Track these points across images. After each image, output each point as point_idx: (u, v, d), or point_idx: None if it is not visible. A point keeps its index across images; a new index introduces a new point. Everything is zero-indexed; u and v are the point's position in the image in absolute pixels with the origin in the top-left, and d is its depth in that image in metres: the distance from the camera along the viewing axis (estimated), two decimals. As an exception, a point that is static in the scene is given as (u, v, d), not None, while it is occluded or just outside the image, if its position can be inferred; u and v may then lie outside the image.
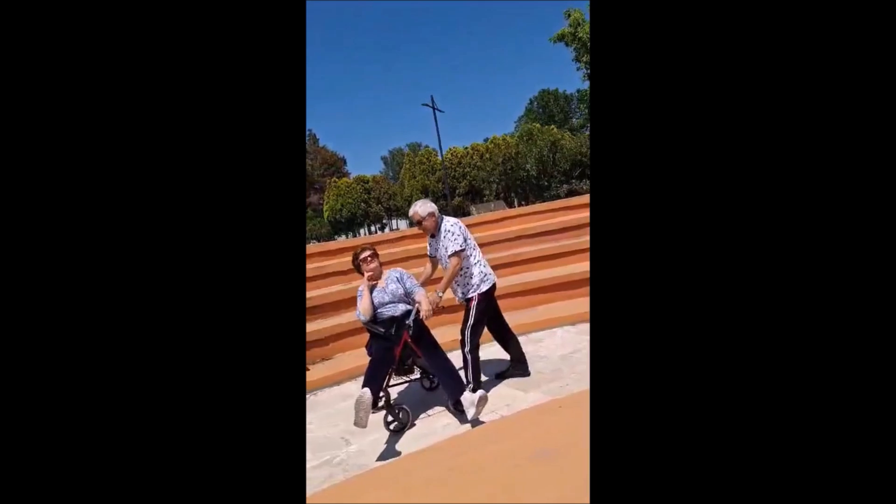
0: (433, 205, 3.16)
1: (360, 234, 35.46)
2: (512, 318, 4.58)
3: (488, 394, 3.02)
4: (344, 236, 34.52)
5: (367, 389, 2.50)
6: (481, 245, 6.00)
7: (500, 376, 3.35)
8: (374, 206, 35.22)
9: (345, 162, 47.35)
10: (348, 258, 5.99)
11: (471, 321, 3.00)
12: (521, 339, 4.07)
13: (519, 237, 6.11)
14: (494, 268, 5.59)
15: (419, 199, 3.51)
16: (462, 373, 3.03)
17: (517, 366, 3.35)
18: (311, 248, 6.40)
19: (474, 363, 3.01)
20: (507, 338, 3.35)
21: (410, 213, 3.16)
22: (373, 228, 36.80)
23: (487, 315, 3.09)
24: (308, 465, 2.57)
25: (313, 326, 4.48)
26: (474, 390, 2.96)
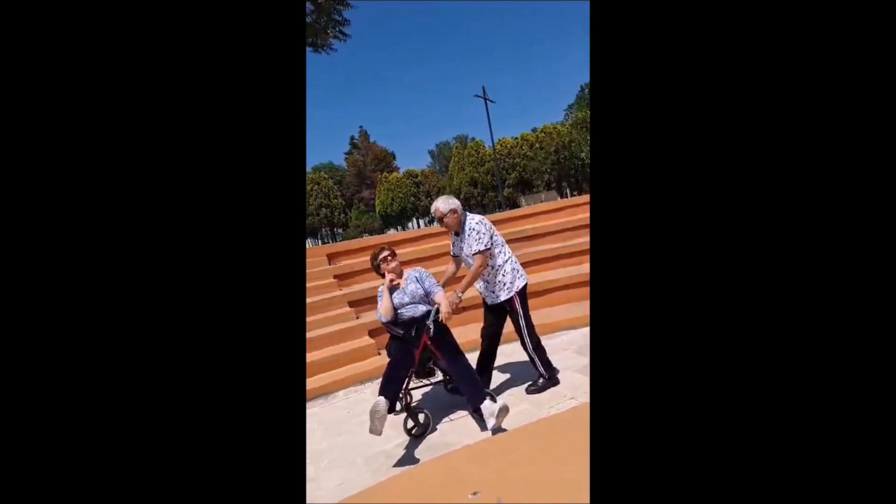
0: (456, 201, 3.02)
1: (408, 227, 35.97)
2: (571, 310, 4.47)
3: (562, 384, 3.01)
4: (394, 229, 35.15)
5: (381, 398, 2.46)
6: (536, 236, 5.91)
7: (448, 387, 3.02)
8: (423, 200, 35.59)
9: (394, 157, 48.09)
10: (408, 249, 6.16)
11: (522, 323, 2.94)
12: (587, 329, 3.99)
13: (578, 227, 5.91)
14: (551, 259, 5.50)
15: (445, 194, 3.42)
16: (536, 368, 3.01)
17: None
18: (368, 240, 6.60)
19: (542, 357, 2.99)
20: (489, 356, 3.11)
21: (432, 209, 3.01)
22: (421, 222, 37.23)
23: (529, 308, 3.00)
24: (398, 442, 2.67)
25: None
26: (548, 381, 2.98)
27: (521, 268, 3.03)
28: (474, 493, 1.61)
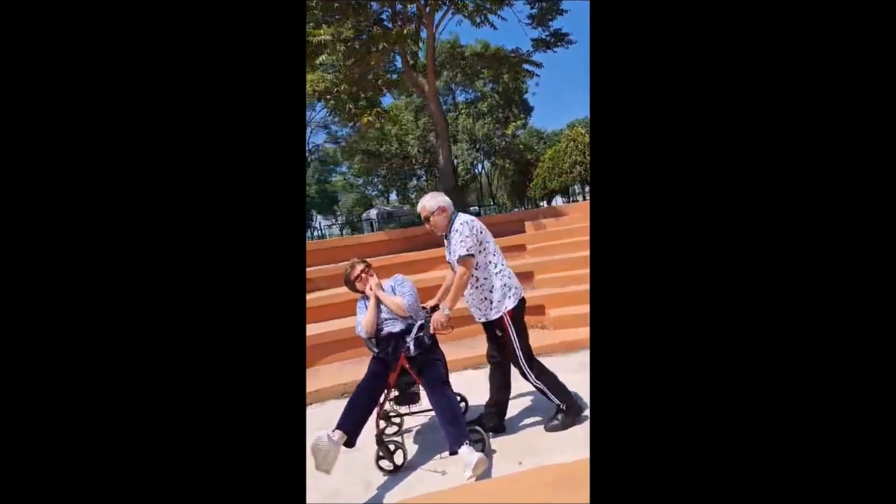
0: (445, 198, 2.51)
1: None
2: None
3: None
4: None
5: (325, 433, 2.08)
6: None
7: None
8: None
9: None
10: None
11: (518, 351, 2.37)
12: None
13: None
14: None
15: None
16: (550, 399, 2.45)
17: (490, 415, 2.53)
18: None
19: (550, 386, 2.42)
20: (500, 375, 2.54)
21: (418, 207, 2.54)
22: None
23: (526, 331, 2.43)
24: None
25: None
26: (567, 413, 2.42)
27: (515, 283, 2.44)
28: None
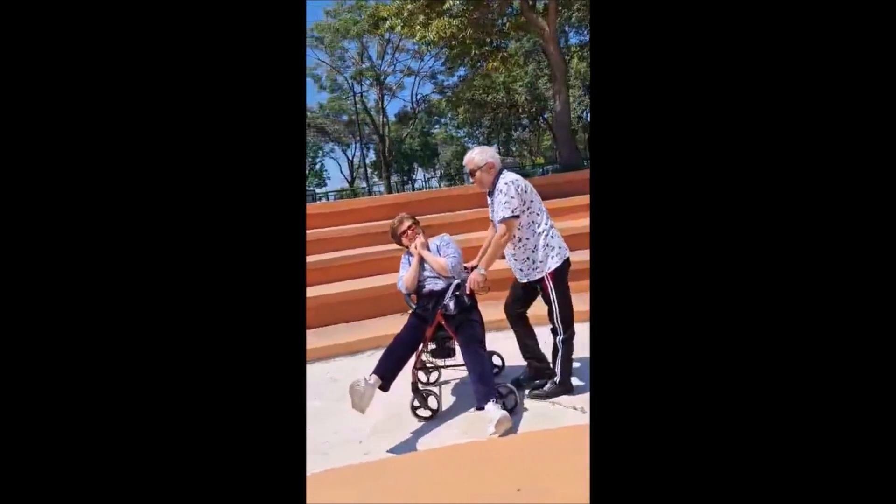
0: (494, 153, 2.48)
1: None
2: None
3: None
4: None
5: (363, 377, 2.30)
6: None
7: (517, 383, 2.63)
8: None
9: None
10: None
11: (556, 309, 2.42)
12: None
13: None
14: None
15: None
16: (552, 366, 2.55)
17: (534, 366, 2.65)
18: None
19: (566, 354, 2.48)
20: (523, 326, 2.64)
21: (465, 160, 2.53)
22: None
23: (569, 293, 2.46)
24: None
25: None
26: (557, 385, 2.49)
27: (560, 243, 2.44)
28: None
